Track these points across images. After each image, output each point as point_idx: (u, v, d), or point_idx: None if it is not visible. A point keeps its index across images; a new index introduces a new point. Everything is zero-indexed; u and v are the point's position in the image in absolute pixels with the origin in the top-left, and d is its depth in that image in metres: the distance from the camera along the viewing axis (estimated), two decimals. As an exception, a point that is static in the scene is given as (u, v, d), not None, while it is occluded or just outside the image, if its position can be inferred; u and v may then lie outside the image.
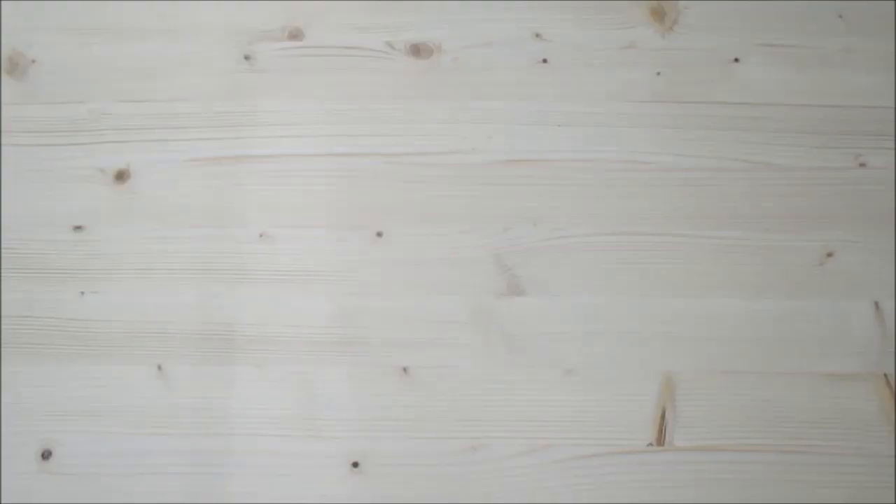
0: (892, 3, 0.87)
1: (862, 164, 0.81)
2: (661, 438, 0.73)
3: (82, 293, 0.78)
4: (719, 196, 0.78)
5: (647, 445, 0.73)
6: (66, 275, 0.78)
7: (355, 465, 0.71)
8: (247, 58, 0.85)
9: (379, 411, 0.74)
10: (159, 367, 0.75)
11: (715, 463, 0.70)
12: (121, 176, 0.82)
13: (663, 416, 0.73)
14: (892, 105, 0.82)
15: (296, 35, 0.87)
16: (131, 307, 0.77)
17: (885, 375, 0.73)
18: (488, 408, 0.74)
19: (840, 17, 0.86)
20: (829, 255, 0.77)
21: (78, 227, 0.80)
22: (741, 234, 0.78)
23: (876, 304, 0.75)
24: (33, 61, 0.87)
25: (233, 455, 0.72)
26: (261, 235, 0.79)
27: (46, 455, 0.72)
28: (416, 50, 0.86)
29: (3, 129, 0.84)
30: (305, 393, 0.74)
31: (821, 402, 0.72)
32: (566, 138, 0.81)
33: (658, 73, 0.84)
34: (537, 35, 0.87)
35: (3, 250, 0.79)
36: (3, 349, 0.75)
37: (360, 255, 0.78)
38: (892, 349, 0.73)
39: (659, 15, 0.87)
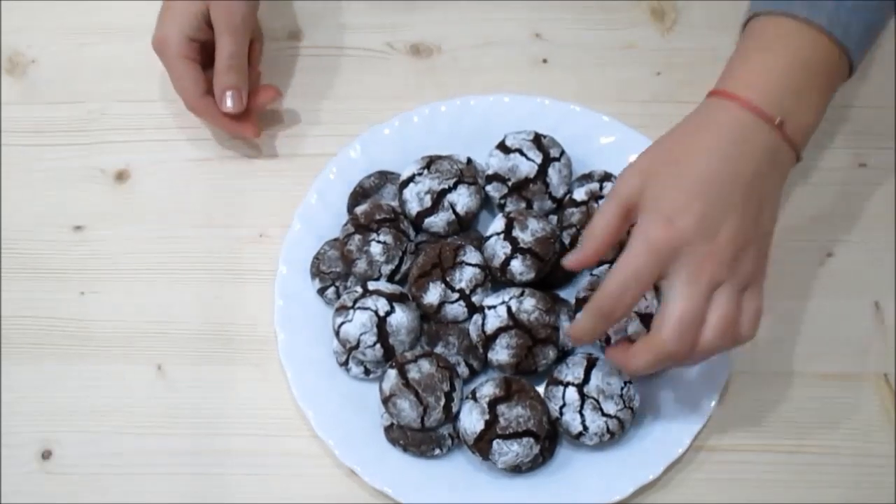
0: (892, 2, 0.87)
1: (862, 164, 0.81)
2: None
3: (82, 293, 0.78)
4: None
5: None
6: (66, 275, 0.78)
7: (355, 465, 0.71)
8: (247, 58, 0.85)
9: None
10: (159, 367, 0.75)
11: (713, 463, 0.70)
12: (121, 176, 0.82)
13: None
14: (892, 105, 0.82)
15: (295, 35, 0.87)
16: (131, 307, 0.77)
17: (885, 375, 0.73)
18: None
19: (840, 17, 0.86)
20: (829, 255, 0.77)
21: (78, 227, 0.80)
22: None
23: (876, 304, 0.75)
24: (33, 61, 0.87)
25: (233, 455, 0.72)
26: (261, 235, 0.79)
27: (46, 455, 0.72)
28: (416, 50, 0.86)
29: (3, 129, 0.84)
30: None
31: (821, 402, 0.72)
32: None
33: (658, 73, 0.84)
34: (537, 35, 0.87)
35: (3, 250, 0.79)
36: (3, 349, 0.75)
37: (360, 255, 0.78)
38: (892, 349, 0.74)
39: (659, 15, 0.87)
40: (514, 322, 0.69)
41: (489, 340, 0.70)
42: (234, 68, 0.76)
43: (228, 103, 0.76)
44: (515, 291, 0.71)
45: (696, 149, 0.61)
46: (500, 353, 0.69)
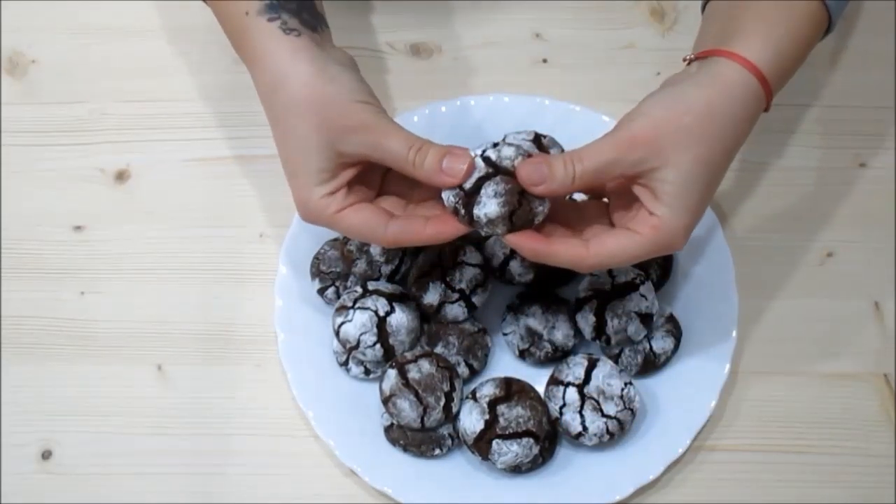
0: (893, 3, 0.87)
1: (862, 164, 0.81)
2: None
3: (82, 293, 0.78)
4: (717, 196, 0.78)
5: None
6: (66, 275, 0.78)
7: (355, 465, 0.71)
8: (247, 58, 0.85)
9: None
10: (159, 367, 0.75)
11: (713, 463, 0.70)
12: (121, 176, 0.82)
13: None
14: (892, 105, 0.82)
15: (296, 35, 0.87)
16: (131, 307, 0.77)
17: (885, 375, 0.73)
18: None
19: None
20: (829, 255, 0.77)
21: (78, 227, 0.80)
22: (741, 234, 0.78)
23: (876, 304, 0.75)
24: (33, 61, 0.87)
25: (233, 455, 0.72)
26: (261, 235, 0.79)
27: (46, 455, 0.72)
28: (416, 50, 0.86)
29: (3, 129, 0.84)
30: (305, 393, 0.74)
31: (821, 402, 0.72)
32: (566, 138, 0.81)
33: (658, 73, 0.84)
34: (537, 35, 0.87)
35: (3, 250, 0.79)
36: (3, 349, 0.75)
37: (360, 255, 0.78)
38: (892, 349, 0.74)
39: (659, 15, 0.87)
40: (497, 169, 0.61)
41: (471, 196, 0.61)
42: (420, 152, 0.61)
43: (457, 168, 0.60)
44: (488, 144, 0.63)
45: (723, 133, 0.59)
46: (489, 206, 0.60)
